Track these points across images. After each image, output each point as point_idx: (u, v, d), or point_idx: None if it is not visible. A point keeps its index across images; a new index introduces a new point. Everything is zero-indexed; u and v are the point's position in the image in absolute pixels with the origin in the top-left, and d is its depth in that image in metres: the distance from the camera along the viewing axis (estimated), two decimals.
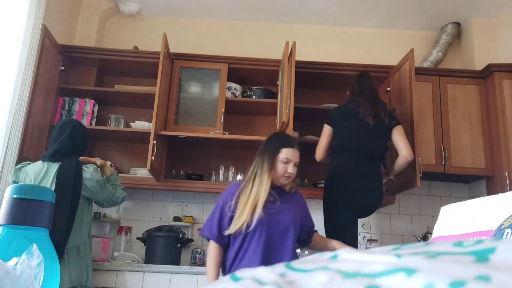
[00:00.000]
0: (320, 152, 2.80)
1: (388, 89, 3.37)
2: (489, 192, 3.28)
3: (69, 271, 2.17)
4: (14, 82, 2.65)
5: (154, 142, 2.95)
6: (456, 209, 0.58)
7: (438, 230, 0.59)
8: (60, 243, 2.12)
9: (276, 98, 3.41)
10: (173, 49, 3.40)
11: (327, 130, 2.78)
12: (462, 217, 0.55)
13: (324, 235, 2.64)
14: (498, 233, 0.46)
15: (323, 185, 3.31)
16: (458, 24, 3.81)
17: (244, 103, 3.45)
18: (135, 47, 3.66)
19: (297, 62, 3.09)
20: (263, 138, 3.27)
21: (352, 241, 2.50)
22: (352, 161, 2.62)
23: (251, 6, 3.75)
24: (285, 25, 3.94)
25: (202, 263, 3.17)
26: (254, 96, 3.47)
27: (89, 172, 2.37)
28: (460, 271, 0.19)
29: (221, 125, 3.25)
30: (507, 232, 0.45)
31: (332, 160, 2.74)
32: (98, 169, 2.47)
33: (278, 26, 3.93)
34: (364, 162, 2.62)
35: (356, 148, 2.64)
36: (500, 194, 0.50)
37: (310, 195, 3.31)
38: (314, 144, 3.38)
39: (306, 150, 3.45)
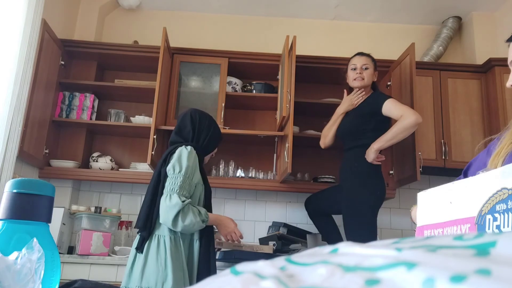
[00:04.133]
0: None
1: (389, 83, 3.36)
2: None
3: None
4: (14, 76, 2.64)
5: (155, 136, 2.96)
6: (433, 195, 0.58)
7: (420, 218, 0.59)
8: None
9: (277, 92, 3.40)
10: (173, 43, 3.40)
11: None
12: (440, 204, 0.55)
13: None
14: (480, 220, 0.46)
15: (324, 180, 3.32)
16: (459, 18, 3.80)
17: (244, 97, 3.45)
18: (135, 42, 3.65)
19: (298, 57, 3.09)
20: (264, 132, 3.29)
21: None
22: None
23: (252, 0, 3.73)
24: (285, 19, 3.93)
25: None
26: (254, 91, 3.47)
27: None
28: (460, 265, 0.19)
29: (221, 120, 3.25)
30: (489, 219, 0.44)
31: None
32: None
33: (278, 20, 3.92)
34: (344, 154, 2.63)
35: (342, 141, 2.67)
36: (470, 177, 0.50)
37: (310, 190, 3.31)
38: (315, 139, 3.38)
39: (307, 145, 3.46)
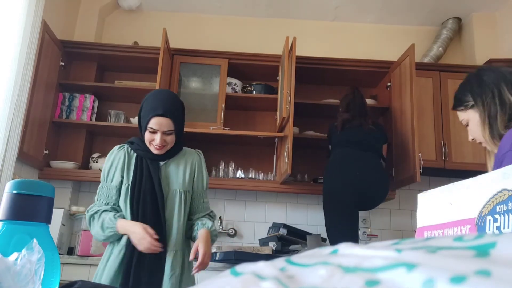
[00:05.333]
0: None
1: (389, 84, 3.37)
2: None
3: None
4: (14, 77, 2.65)
5: None
6: (433, 196, 0.58)
7: (420, 220, 0.59)
8: None
9: (277, 93, 3.40)
10: (173, 44, 3.40)
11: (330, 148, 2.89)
12: (440, 205, 0.55)
13: (325, 231, 2.66)
14: (481, 222, 0.46)
15: (322, 181, 3.32)
16: (459, 19, 3.80)
17: (244, 98, 3.45)
18: (135, 43, 3.65)
19: (298, 58, 3.09)
20: (264, 133, 3.29)
21: (353, 236, 2.51)
22: (349, 153, 2.65)
23: (252, 1, 3.73)
24: (285, 20, 3.93)
25: None
26: (254, 92, 3.47)
27: None
28: (460, 266, 0.19)
29: (221, 121, 3.25)
30: (489, 220, 0.44)
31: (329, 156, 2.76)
32: None
33: (278, 21, 3.92)
34: (362, 153, 2.65)
35: (354, 141, 2.67)
36: (471, 178, 0.50)
37: (310, 191, 3.32)
38: (315, 140, 3.39)
39: (307, 146, 3.46)
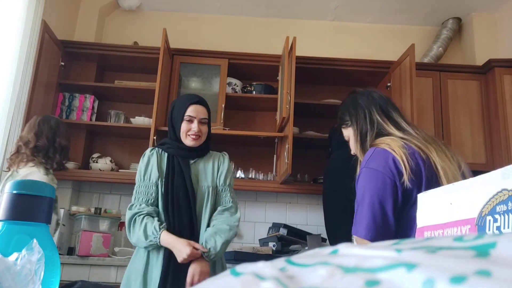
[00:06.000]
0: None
1: (389, 84, 3.37)
2: None
3: None
4: (14, 77, 2.65)
5: (155, 137, 2.96)
6: (433, 196, 0.58)
7: (420, 220, 0.59)
8: None
9: (277, 93, 3.40)
10: (173, 44, 3.40)
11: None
12: (440, 205, 0.55)
13: (325, 231, 2.66)
14: (481, 222, 0.46)
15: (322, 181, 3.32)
16: (458, 19, 3.80)
17: (244, 98, 3.45)
18: (135, 43, 3.65)
19: (298, 58, 3.09)
20: (264, 133, 3.29)
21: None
22: (349, 154, 2.66)
23: (252, 1, 3.73)
24: (285, 20, 3.93)
25: None
26: (254, 92, 3.47)
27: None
28: (460, 266, 0.19)
29: (221, 121, 3.25)
30: (489, 220, 0.45)
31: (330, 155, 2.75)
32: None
33: (278, 21, 3.92)
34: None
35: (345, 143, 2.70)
36: (471, 178, 0.50)
37: (310, 191, 3.31)
38: (314, 140, 3.38)
39: (307, 146, 3.46)
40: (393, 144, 1.38)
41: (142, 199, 1.77)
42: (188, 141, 1.82)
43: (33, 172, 2.16)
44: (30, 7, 2.77)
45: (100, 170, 3.25)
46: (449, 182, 1.33)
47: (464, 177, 1.42)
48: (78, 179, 3.28)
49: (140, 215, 1.73)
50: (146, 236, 1.68)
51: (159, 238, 1.67)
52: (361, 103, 1.55)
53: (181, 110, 1.82)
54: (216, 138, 3.35)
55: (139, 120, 3.33)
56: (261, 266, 0.25)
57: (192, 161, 1.86)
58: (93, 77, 3.51)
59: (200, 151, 1.87)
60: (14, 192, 0.50)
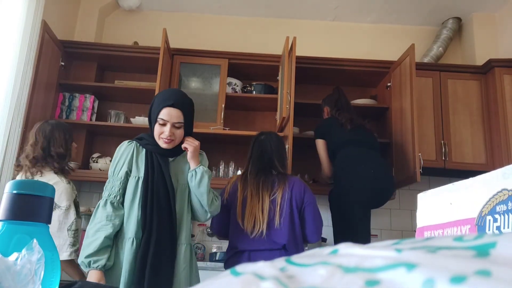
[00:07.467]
0: (327, 167, 2.83)
1: (389, 84, 3.37)
2: None
3: None
4: (14, 77, 2.65)
5: None
6: (433, 196, 0.58)
7: (420, 220, 0.59)
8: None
9: (277, 93, 3.40)
10: (173, 44, 3.40)
11: (321, 143, 2.83)
12: (440, 205, 0.55)
13: (332, 231, 2.68)
14: (481, 222, 0.46)
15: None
16: (459, 19, 3.80)
17: (244, 98, 3.45)
18: (135, 43, 3.65)
19: (298, 58, 3.09)
20: None
21: (365, 235, 2.55)
22: (357, 151, 2.66)
23: (252, 1, 3.73)
24: (285, 20, 3.93)
25: (203, 258, 3.17)
26: (254, 92, 3.47)
27: None
28: (460, 266, 0.19)
29: (221, 121, 3.24)
30: (489, 220, 0.44)
31: (336, 157, 2.75)
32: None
33: (278, 21, 3.92)
34: (371, 151, 2.67)
35: (362, 140, 2.68)
36: (471, 178, 0.50)
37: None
38: (314, 140, 3.37)
39: (306, 145, 3.46)
40: None
41: (106, 193, 1.76)
42: (160, 143, 1.79)
43: (58, 183, 2.14)
44: (30, 7, 2.77)
45: (100, 170, 3.25)
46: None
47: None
48: (78, 179, 3.27)
49: (105, 221, 1.69)
50: (93, 239, 1.64)
51: (89, 268, 1.62)
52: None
53: (155, 112, 1.78)
54: (216, 138, 3.35)
55: (139, 120, 3.33)
56: (261, 266, 0.25)
57: (171, 159, 1.85)
58: (93, 77, 3.51)
59: (177, 151, 1.85)
60: (14, 192, 0.50)
